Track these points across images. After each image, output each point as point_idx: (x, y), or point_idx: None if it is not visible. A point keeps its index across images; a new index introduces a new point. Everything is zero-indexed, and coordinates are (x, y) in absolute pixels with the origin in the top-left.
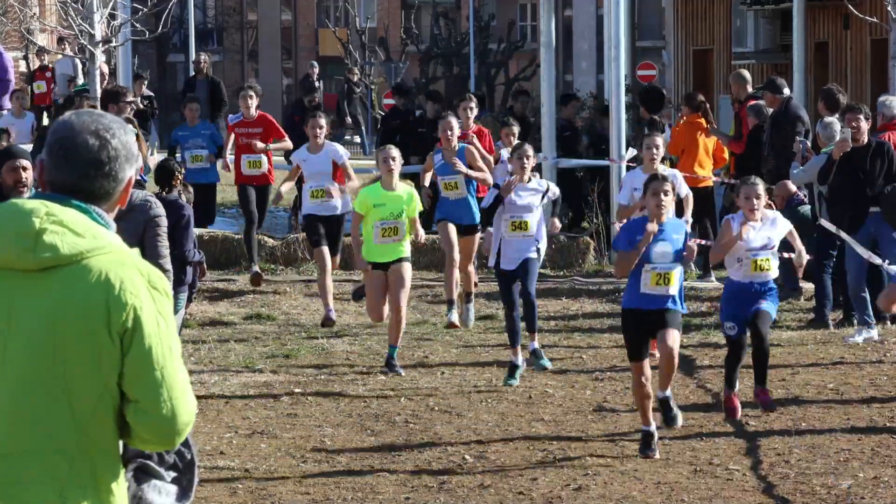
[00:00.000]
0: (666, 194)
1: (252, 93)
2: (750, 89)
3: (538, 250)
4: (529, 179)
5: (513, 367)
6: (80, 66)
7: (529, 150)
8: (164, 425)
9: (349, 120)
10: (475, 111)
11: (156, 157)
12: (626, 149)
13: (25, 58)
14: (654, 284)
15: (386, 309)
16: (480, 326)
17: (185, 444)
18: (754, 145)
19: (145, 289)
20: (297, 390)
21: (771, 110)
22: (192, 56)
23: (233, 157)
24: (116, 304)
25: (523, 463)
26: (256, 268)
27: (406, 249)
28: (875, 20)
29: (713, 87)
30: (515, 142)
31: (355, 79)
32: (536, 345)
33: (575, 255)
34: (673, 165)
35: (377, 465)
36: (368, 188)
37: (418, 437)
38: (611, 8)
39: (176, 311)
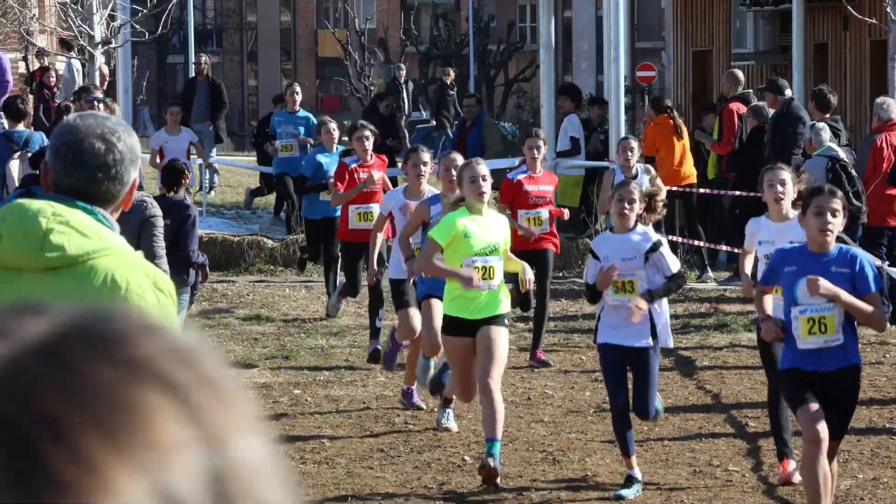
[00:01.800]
0: (834, 214)
1: (368, 133)
2: (741, 90)
3: (654, 332)
4: (635, 225)
5: (630, 478)
6: (79, 70)
7: (634, 191)
8: None
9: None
10: (543, 150)
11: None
12: None
13: (25, 59)
14: (806, 335)
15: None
16: None
17: None
18: (755, 146)
19: (151, 291)
20: (296, 391)
21: (772, 111)
22: (192, 57)
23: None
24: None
25: (523, 463)
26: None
27: (504, 304)
28: (874, 21)
29: (713, 89)
30: (635, 161)
31: (449, 80)
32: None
33: (575, 256)
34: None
35: (377, 466)
36: (454, 214)
37: (418, 437)
38: (610, 9)
39: (178, 312)
